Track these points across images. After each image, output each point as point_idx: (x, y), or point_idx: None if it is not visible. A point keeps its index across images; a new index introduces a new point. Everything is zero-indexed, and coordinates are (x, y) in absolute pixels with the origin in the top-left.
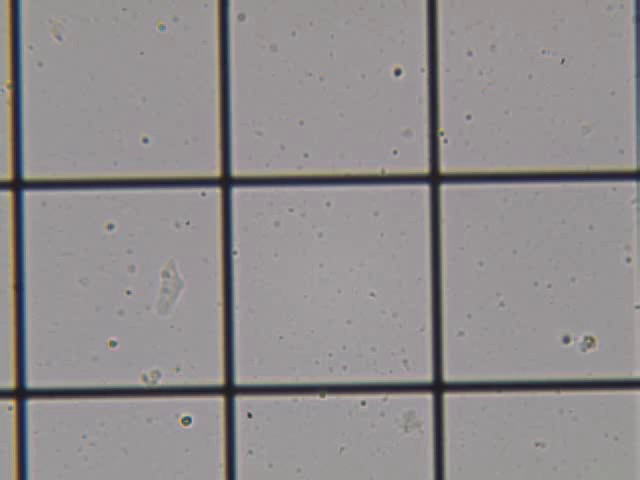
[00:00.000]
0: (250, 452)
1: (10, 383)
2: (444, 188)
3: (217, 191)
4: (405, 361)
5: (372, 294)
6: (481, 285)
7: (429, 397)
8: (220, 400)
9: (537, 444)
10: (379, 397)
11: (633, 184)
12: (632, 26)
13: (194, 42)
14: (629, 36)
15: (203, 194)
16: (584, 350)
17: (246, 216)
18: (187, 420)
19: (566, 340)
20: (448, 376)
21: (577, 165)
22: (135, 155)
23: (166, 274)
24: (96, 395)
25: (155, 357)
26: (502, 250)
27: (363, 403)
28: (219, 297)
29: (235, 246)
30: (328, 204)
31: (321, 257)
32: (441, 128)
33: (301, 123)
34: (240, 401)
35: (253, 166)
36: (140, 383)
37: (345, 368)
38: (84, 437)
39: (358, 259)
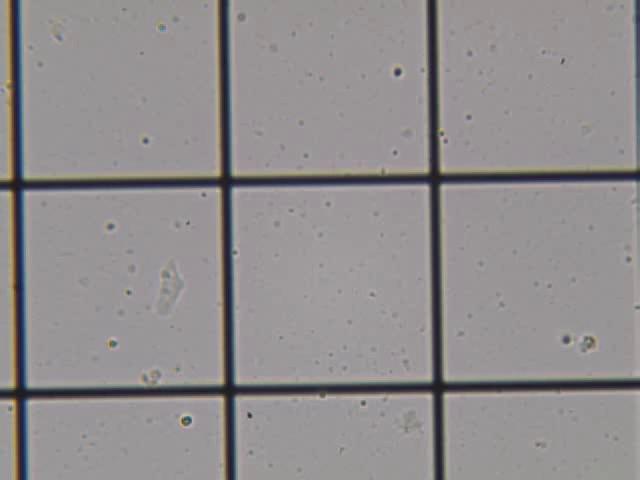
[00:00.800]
0: (250, 452)
1: (10, 383)
2: (444, 188)
3: (217, 191)
4: (405, 361)
5: (372, 294)
6: (481, 285)
7: (429, 397)
8: (220, 400)
9: (537, 444)
10: (379, 397)
11: (633, 184)
12: (632, 26)
13: (194, 42)
14: (629, 36)
15: (203, 195)
16: (584, 350)
17: (246, 216)
18: (187, 420)
19: (566, 340)
20: (448, 376)
21: (577, 165)
22: (135, 155)
23: (166, 274)
24: (96, 395)
25: (155, 357)
26: (502, 250)
27: (363, 403)
28: (219, 297)
29: (235, 246)
30: (328, 204)
31: (321, 257)
32: (441, 128)
33: (301, 123)
34: (240, 401)
35: (253, 166)
36: (140, 383)
37: (345, 368)
38: (84, 437)
39: (358, 259)
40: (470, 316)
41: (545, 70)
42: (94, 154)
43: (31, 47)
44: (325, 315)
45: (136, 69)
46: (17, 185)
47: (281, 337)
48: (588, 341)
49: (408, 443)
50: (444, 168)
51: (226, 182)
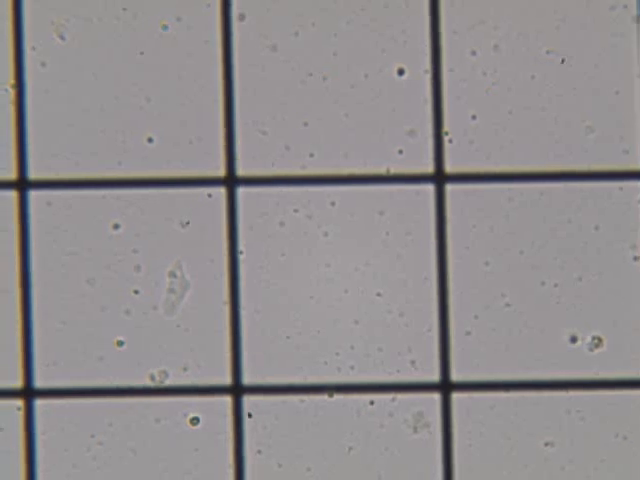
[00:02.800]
0: (259, 452)
1: (18, 383)
2: (449, 188)
3: (222, 191)
4: (413, 361)
5: (378, 294)
6: (487, 285)
7: (437, 397)
8: (228, 400)
9: (545, 444)
10: (387, 397)
11: (639, 184)
12: (635, 26)
13: (197, 42)
14: (632, 36)
15: (209, 195)
16: (591, 350)
17: (251, 216)
18: (195, 420)
19: (573, 340)
20: (456, 376)
21: (581, 165)
22: (140, 155)
23: (173, 274)
24: (104, 395)
25: (162, 357)
26: (508, 250)
27: (371, 403)
28: (225, 297)
29: (241, 246)
30: (333, 204)
31: (327, 257)
32: (445, 128)
33: (305, 123)
34: (248, 401)
35: (258, 166)
36: (148, 383)
37: (353, 368)
38: (92, 437)
39: (364, 259)
40: (477, 316)
41: (549, 70)
42: (98, 154)
43: (34, 47)
44: (332, 315)
45: (139, 69)
46: (22, 185)
47: (288, 337)
48: (595, 341)
49: (416, 443)
50: (449, 168)
51: (231, 182)
